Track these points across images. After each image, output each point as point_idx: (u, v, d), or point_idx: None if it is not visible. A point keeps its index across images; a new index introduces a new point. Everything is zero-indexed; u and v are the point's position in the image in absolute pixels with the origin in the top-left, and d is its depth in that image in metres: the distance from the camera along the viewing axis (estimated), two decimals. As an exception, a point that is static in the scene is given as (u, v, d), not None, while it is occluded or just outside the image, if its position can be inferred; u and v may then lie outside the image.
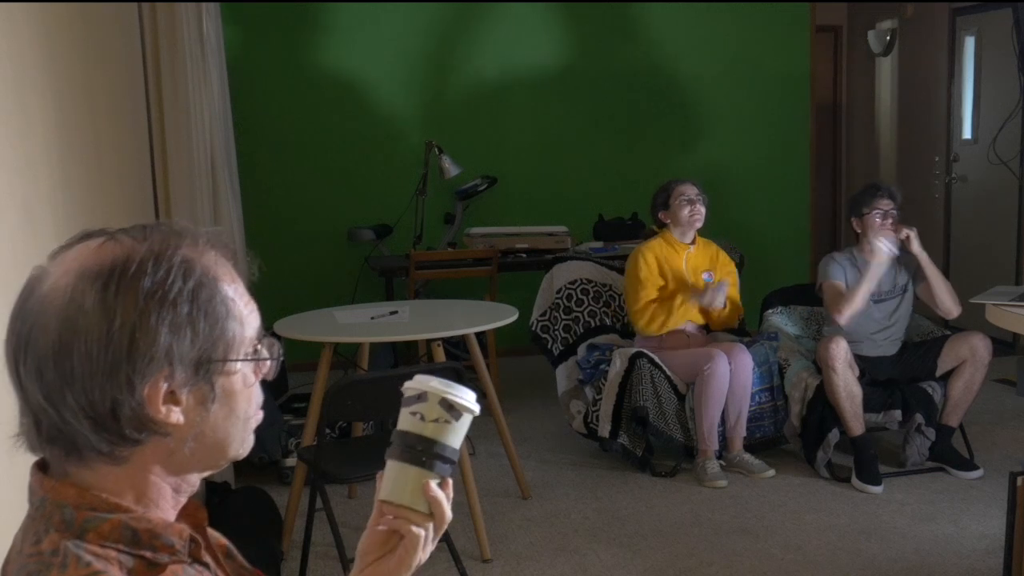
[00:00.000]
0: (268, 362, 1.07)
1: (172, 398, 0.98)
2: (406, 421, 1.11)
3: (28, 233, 2.14)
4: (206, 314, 0.99)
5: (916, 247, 4.42)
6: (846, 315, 4.40)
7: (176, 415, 0.99)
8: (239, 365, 1.03)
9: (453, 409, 1.10)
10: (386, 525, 1.12)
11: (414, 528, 1.11)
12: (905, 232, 4.41)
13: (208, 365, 1.00)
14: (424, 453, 1.09)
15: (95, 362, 0.95)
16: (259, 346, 1.06)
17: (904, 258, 4.53)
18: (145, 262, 0.98)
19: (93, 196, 2.75)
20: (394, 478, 1.10)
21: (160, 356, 0.96)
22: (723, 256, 4.78)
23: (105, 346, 0.95)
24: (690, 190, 4.65)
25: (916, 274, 4.54)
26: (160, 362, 0.96)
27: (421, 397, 1.10)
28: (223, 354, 1.01)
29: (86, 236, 1.02)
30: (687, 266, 4.63)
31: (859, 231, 4.51)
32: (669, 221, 4.67)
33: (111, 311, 0.95)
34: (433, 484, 1.10)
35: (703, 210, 4.65)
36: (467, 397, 1.11)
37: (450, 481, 1.12)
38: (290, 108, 6.40)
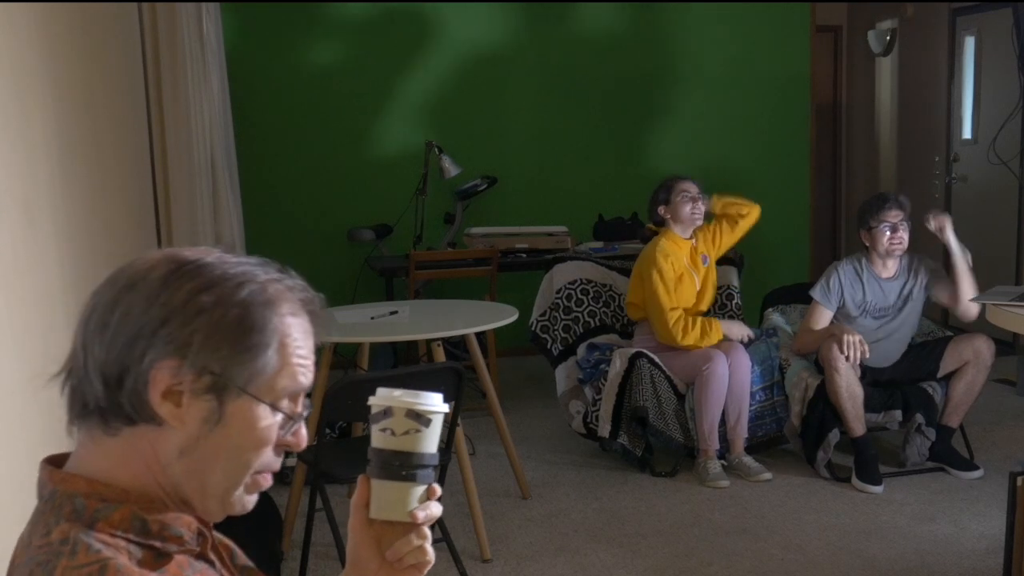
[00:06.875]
0: (289, 423, 1.04)
1: (174, 398, 0.98)
2: (378, 438, 1.11)
3: (28, 233, 2.14)
4: (245, 331, 0.99)
5: (950, 236, 4.30)
6: (795, 351, 4.56)
7: (172, 413, 0.98)
8: (259, 406, 1.01)
9: (421, 417, 1.10)
10: (392, 556, 1.12)
11: (428, 552, 1.13)
12: (938, 222, 4.31)
13: (221, 381, 0.99)
14: (403, 467, 1.10)
15: (128, 324, 0.97)
16: (286, 403, 1.04)
17: (919, 260, 4.48)
18: (227, 268, 1.01)
19: (93, 196, 2.75)
20: (380, 496, 1.11)
21: (178, 344, 0.97)
22: (706, 228, 4.72)
23: (141, 313, 0.97)
24: (692, 187, 4.63)
25: (931, 278, 4.46)
26: (176, 348, 0.97)
27: (387, 412, 1.10)
28: (243, 381, 1.00)
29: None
30: (689, 260, 4.63)
31: (868, 244, 4.44)
32: (669, 216, 4.64)
33: (167, 288, 0.98)
34: (419, 496, 1.11)
35: (703, 209, 4.63)
36: (432, 402, 1.11)
37: (436, 487, 1.13)
38: (290, 108, 6.39)
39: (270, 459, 1.05)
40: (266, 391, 1.02)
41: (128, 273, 1.00)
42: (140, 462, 1.00)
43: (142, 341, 0.97)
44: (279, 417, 1.04)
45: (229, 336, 0.98)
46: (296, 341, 1.03)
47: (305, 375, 1.05)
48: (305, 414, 1.07)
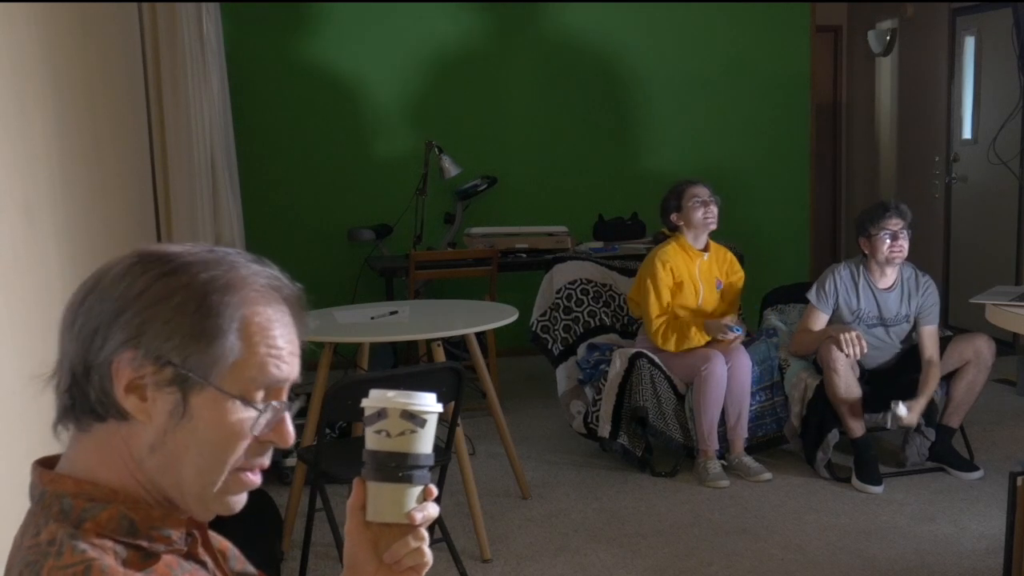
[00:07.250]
0: (265, 418, 1.00)
1: (139, 391, 0.97)
2: (372, 440, 1.09)
3: (28, 233, 2.14)
4: (200, 316, 0.96)
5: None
6: (792, 352, 4.58)
7: (137, 407, 0.97)
8: (226, 400, 0.97)
9: (415, 417, 1.09)
10: (389, 559, 1.11)
11: (426, 553, 1.12)
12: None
13: (182, 372, 0.96)
14: (399, 468, 1.09)
15: (90, 319, 0.97)
16: (261, 396, 0.99)
17: (926, 288, 4.44)
18: (187, 257, 0.99)
19: (93, 196, 2.75)
20: (376, 499, 1.10)
21: (132, 333, 0.95)
22: (735, 263, 4.72)
23: (101, 306, 0.97)
24: (703, 191, 4.57)
25: (922, 321, 4.41)
26: (130, 338, 0.95)
27: (381, 414, 1.08)
28: (204, 372, 0.96)
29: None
30: (700, 273, 4.60)
31: (867, 252, 4.40)
32: (682, 223, 4.58)
33: (124, 279, 0.97)
34: (415, 497, 1.10)
35: (716, 211, 4.57)
36: (426, 402, 1.10)
37: (432, 488, 1.12)
38: (290, 108, 6.40)
39: (252, 456, 1.01)
40: (233, 383, 0.98)
41: (97, 273, 1.00)
42: (117, 459, 0.99)
43: (100, 334, 0.96)
44: (252, 412, 0.99)
45: (184, 323, 0.95)
46: (264, 328, 0.99)
47: (278, 366, 0.99)
48: (288, 409, 1.01)
